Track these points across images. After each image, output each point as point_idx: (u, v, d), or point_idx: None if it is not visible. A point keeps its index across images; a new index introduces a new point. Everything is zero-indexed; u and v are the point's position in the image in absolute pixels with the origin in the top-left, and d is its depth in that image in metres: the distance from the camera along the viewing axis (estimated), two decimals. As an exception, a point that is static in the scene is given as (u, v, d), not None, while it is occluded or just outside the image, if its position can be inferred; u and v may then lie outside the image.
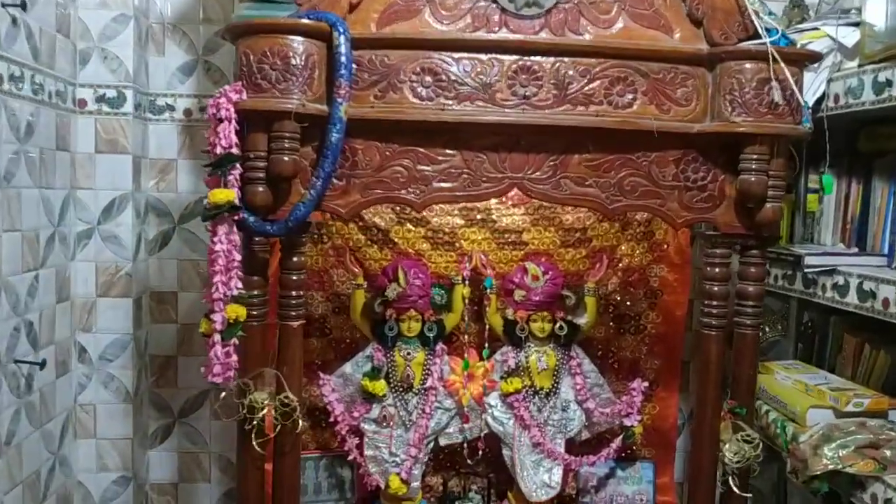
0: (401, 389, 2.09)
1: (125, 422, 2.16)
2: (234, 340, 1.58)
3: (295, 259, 1.69)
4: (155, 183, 2.28)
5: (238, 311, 1.57)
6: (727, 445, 1.77)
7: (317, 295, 2.23)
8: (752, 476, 1.79)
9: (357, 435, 2.13)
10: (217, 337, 1.55)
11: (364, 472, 2.13)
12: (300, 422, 1.69)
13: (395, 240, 2.18)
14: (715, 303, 1.76)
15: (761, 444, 1.76)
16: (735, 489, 1.77)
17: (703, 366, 1.79)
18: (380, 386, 2.07)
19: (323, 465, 2.27)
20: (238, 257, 1.56)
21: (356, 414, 2.10)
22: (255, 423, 1.66)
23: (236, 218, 1.56)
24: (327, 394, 2.11)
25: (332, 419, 2.10)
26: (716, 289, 1.76)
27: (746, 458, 1.75)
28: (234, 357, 1.58)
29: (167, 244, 2.30)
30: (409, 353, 2.09)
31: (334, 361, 2.22)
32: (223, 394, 1.66)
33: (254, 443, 1.67)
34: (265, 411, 1.66)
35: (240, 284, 1.57)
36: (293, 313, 1.70)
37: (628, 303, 2.27)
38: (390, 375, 2.09)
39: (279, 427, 1.69)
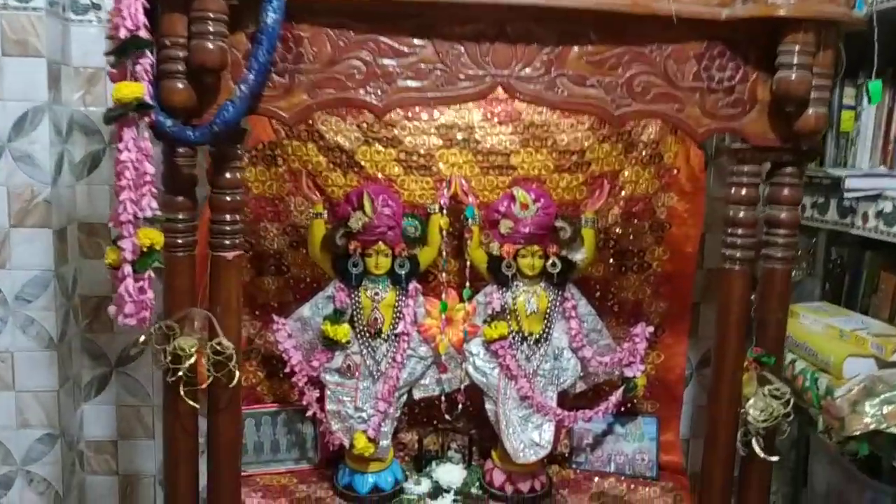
0: (367, 335, 1.80)
1: (49, 372, 1.87)
2: (150, 273, 1.28)
3: (228, 175, 1.38)
4: (80, 96, 1.95)
5: (153, 237, 1.26)
6: (751, 401, 1.48)
7: (271, 227, 1.93)
8: (781, 437, 1.51)
9: (318, 387, 1.85)
10: (127, 269, 1.24)
11: (326, 430, 1.85)
12: (236, 372, 1.39)
13: (362, 163, 1.86)
14: (741, 231, 1.46)
15: (792, 400, 1.48)
16: (760, 452, 1.49)
17: (725, 307, 1.50)
18: (343, 331, 1.78)
19: (281, 420, 2.00)
20: (150, 170, 1.24)
21: (316, 363, 1.81)
22: (180, 373, 1.36)
23: (148, 120, 1.24)
24: (282, 340, 1.82)
25: (288, 369, 1.81)
26: (742, 214, 1.46)
27: (774, 416, 1.46)
28: (150, 294, 1.28)
29: (97, 167, 1.97)
30: (377, 294, 1.80)
31: (292, 304, 1.94)
32: (142, 337, 1.36)
33: (181, 395, 1.38)
34: (193, 359, 1.36)
35: (154, 204, 1.26)
36: (227, 242, 1.39)
37: (631, 236, 1.98)
38: (355, 319, 1.80)
39: (212, 379, 1.39)
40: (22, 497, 1.90)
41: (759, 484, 1.56)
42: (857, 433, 1.48)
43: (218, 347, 1.38)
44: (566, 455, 2.07)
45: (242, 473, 1.91)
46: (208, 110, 1.31)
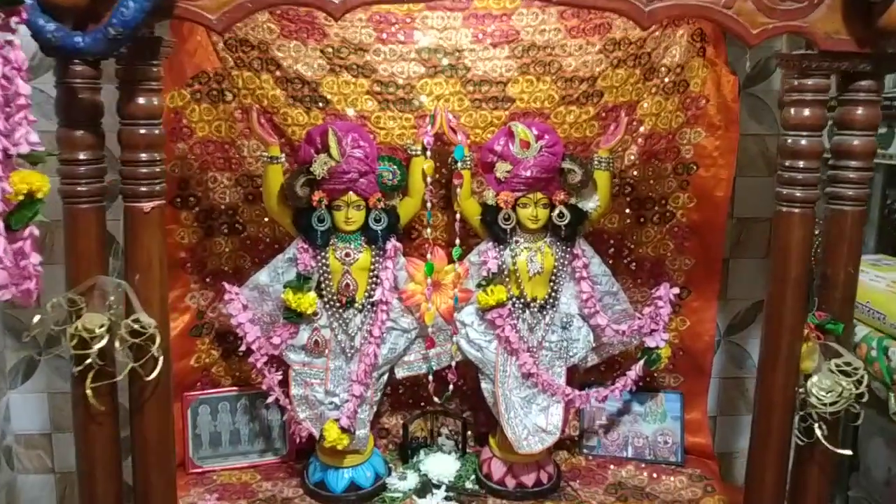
0: (338, 305, 1.50)
1: (-41, 356, 1.56)
2: (33, 230, 0.96)
3: (141, 101, 1.06)
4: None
5: (32, 182, 0.94)
6: (815, 378, 1.19)
7: (221, 177, 1.61)
8: (854, 423, 1.22)
9: (281, 368, 1.54)
10: (-1, 225, 0.92)
11: (291, 419, 1.55)
12: (160, 358, 1.08)
13: (328, 96, 1.54)
14: (802, 164, 1.15)
15: (865, 377, 1.18)
16: (824, 442, 1.19)
17: (781, 262, 1.20)
18: (308, 300, 1.47)
19: (242, 406, 1.71)
20: (25, 90, 0.92)
21: (277, 340, 1.51)
22: (89, 361, 1.05)
23: (17, 19, 0.91)
24: (236, 313, 1.51)
25: (244, 347, 1.51)
26: (804, 142, 1.15)
27: (844, 397, 1.17)
28: (34, 258, 0.96)
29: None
30: (348, 255, 1.49)
31: (250, 269, 1.63)
32: (36, 317, 1.05)
33: (88, 392, 1.07)
34: (104, 342, 1.05)
35: (34, 137, 0.93)
36: (143, 189, 1.08)
37: (652, 181, 1.67)
38: (323, 286, 1.50)
39: (129, 367, 1.08)
40: (-65, 503, 1.61)
41: (819, 483, 1.26)
42: (945, 414, 1.19)
43: (136, 326, 1.07)
44: (576, 439, 1.78)
45: (196, 470, 1.65)
46: (106, 14, 0.98)
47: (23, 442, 1.77)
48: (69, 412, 1.69)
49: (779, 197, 1.18)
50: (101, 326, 1.05)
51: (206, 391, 1.69)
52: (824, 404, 1.17)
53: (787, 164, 1.16)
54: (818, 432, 1.20)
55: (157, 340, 1.08)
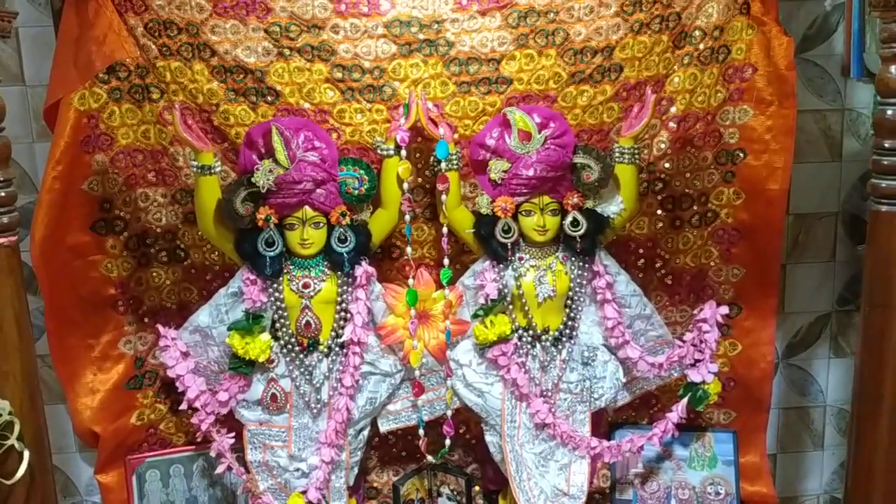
0: (298, 349, 1.22)
1: None
2: None
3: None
4: None
5: None
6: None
7: (153, 194, 1.33)
8: None
9: (235, 426, 1.24)
10: None
11: (248, 489, 1.25)
12: (25, 453, 0.78)
13: (278, 87, 1.26)
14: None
15: None
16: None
17: (881, 277, 0.86)
18: (259, 345, 1.19)
19: (199, 468, 1.44)
20: None
21: (224, 395, 1.23)
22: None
23: None
24: (173, 363, 1.24)
25: (185, 405, 1.21)
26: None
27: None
28: None
29: None
30: (307, 285, 1.20)
31: (199, 304, 1.33)
32: None
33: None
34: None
35: None
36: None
37: (688, 174, 1.37)
38: (278, 325, 1.22)
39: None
40: None
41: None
42: None
43: (-15, 412, 0.77)
44: (607, 492, 1.48)
45: (143, 551, 1.35)
46: None
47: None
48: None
49: (875, 192, 0.85)
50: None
51: (153, 453, 1.40)
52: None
53: (886, 145, 0.83)
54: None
55: (16, 429, 0.78)
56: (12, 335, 0.81)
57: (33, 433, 0.81)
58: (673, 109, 1.31)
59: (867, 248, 0.90)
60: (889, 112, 0.83)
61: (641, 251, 1.41)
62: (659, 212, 1.39)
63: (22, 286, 0.83)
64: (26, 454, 0.80)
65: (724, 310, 1.31)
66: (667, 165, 1.35)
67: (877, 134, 0.85)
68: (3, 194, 0.80)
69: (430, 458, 1.31)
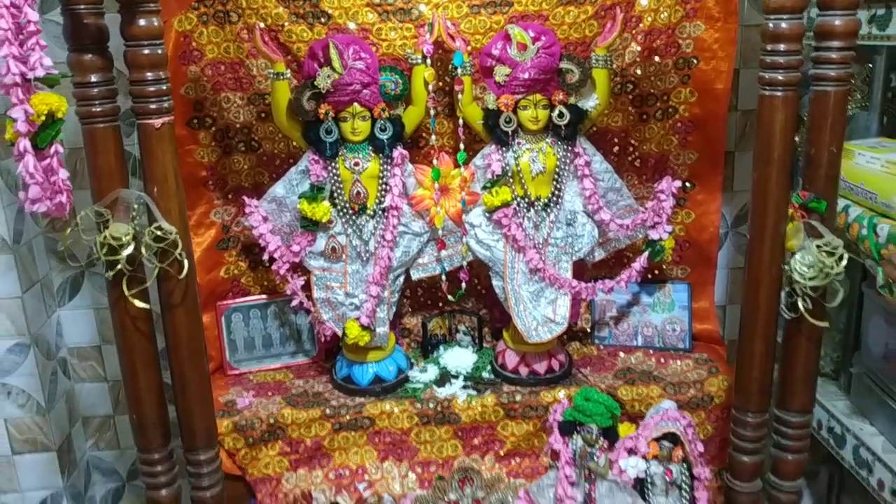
0: (351, 212, 1.58)
1: (8, 276, 1.68)
2: (58, 148, 1.05)
3: (142, 23, 1.12)
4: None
5: (51, 103, 1.02)
6: (797, 256, 1.25)
7: (234, 97, 1.67)
8: (832, 304, 1.28)
9: (303, 273, 1.64)
10: (24, 143, 1.02)
11: (315, 319, 1.66)
12: (185, 261, 1.18)
13: (329, 11, 1.58)
14: (783, 47, 1.18)
15: (845, 256, 1.24)
16: (807, 316, 1.26)
17: (765, 143, 1.24)
18: (322, 209, 1.56)
19: (272, 312, 1.82)
20: (34, 16, 1.00)
21: (297, 248, 1.60)
22: (119, 267, 1.16)
23: (21, -47, 0.98)
24: (257, 225, 1.61)
25: (266, 257, 1.61)
26: (784, 25, 1.17)
27: (824, 273, 1.23)
28: (63, 174, 1.06)
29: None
30: (357, 164, 1.56)
31: (268, 184, 1.71)
32: (67, 231, 1.16)
33: (126, 294, 1.18)
34: (130, 249, 1.15)
35: (47, 61, 1.02)
36: (152, 106, 1.16)
37: (652, 77, 1.68)
38: (335, 195, 1.58)
39: (157, 270, 1.19)
40: (3, 410, 1.77)
41: (806, 353, 1.34)
42: (927, 285, 1.24)
43: (158, 233, 1.17)
44: (588, 331, 1.87)
45: (234, 372, 1.78)
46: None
47: (76, 354, 1.92)
48: (114, 325, 1.84)
49: (761, 81, 1.21)
50: (127, 235, 1.15)
51: (237, 300, 1.81)
52: (807, 280, 1.23)
53: (768, 48, 1.19)
54: (801, 306, 1.27)
55: (179, 245, 1.18)
56: (171, 183, 1.17)
57: (186, 252, 1.21)
58: (641, 25, 1.63)
59: (757, 122, 1.26)
60: (770, 25, 1.18)
61: (616, 140, 1.74)
62: (630, 108, 1.71)
63: (175, 151, 1.21)
64: (186, 262, 1.20)
65: (678, 183, 1.65)
66: (637, 71, 1.67)
67: (762, 39, 1.20)
68: (164, 88, 1.17)
69: (450, 297, 1.71)
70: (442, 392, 1.67)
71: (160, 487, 1.37)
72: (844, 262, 1.22)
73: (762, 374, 1.35)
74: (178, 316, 1.25)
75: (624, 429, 1.51)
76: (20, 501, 1.84)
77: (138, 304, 1.20)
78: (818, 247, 1.22)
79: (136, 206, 1.18)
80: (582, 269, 1.74)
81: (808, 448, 1.45)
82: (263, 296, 1.82)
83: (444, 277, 1.69)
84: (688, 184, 1.77)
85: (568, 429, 1.45)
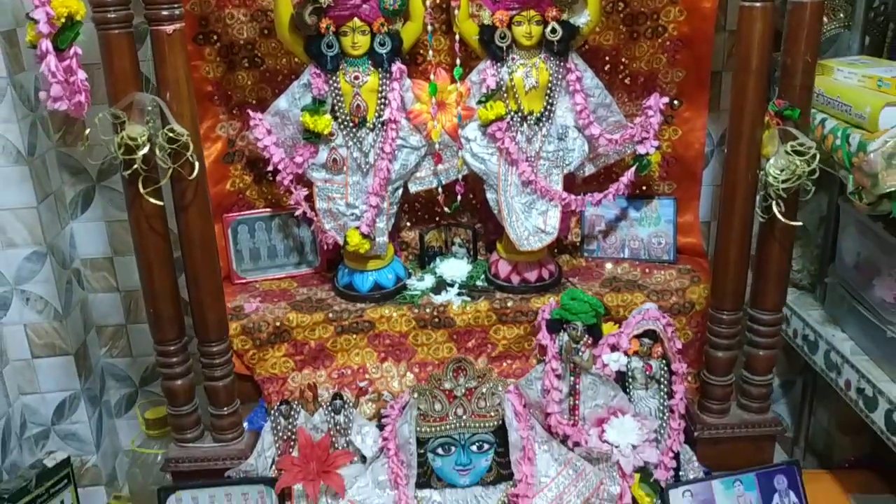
0: (351, 125, 1.65)
1: (23, 187, 1.76)
2: (76, 50, 1.12)
3: (151, -71, 1.18)
4: None
5: (70, 5, 1.09)
6: (772, 160, 1.33)
7: (237, 13, 1.73)
8: (804, 199, 1.37)
9: (306, 186, 1.72)
10: (46, 44, 1.09)
11: (318, 229, 1.75)
12: (196, 162, 1.26)
13: (329, -71, 1.61)
14: (763, -41, 1.23)
15: (817, 156, 1.32)
16: (780, 216, 1.35)
17: (744, 53, 1.31)
18: (324, 122, 1.63)
19: (276, 225, 1.90)
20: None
21: (299, 159, 1.68)
22: (136, 166, 1.24)
23: None
24: (261, 137, 1.68)
25: (271, 168, 1.69)
26: (765, -63, 1.22)
27: (796, 174, 1.31)
28: (81, 75, 1.13)
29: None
30: (357, 78, 1.63)
31: (271, 99, 1.77)
32: (87, 131, 1.23)
33: (141, 192, 1.27)
34: (146, 149, 1.23)
35: (64, -36, 1.08)
36: (164, 13, 1.22)
37: (643, -4, 1.74)
38: (336, 108, 1.65)
39: (171, 171, 1.27)
40: (22, 316, 1.87)
41: (779, 254, 1.43)
42: (891, 189, 1.32)
43: (171, 135, 1.25)
44: (577, 244, 1.96)
45: (240, 281, 1.88)
46: None
47: (89, 265, 2.02)
48: (126, 238, 1.93)
49: (740, -7, 1.27)
50: (142, 136, 1.23)
51: (243, 213, 1.89)
52: (780, 182, 1.32)
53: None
54: (776, 209, 1.35)
55: (191, 147, 1.26)
56: (183, 88, 1.24)
57: (197, 154, 1.29)
58: (632, -56, 1.70)
59: (737, 33, 1.32)
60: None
61: (607, 58, 1.79)
62: (621, 27, 1.77)
63: (187, 58, 1.28)
64: (197, 164, 1.28)
65: (665, 100, 1.72)
66: (628, -10, 1.75)
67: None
68: (175, -5, 1.23)
69: (446, 209, 1.79)
70: (438, 299, 1.77)
71: (176, 378, 1.48)
72: (816, 163, 1.31)
73: (737, 274, 1.45)
74: (190, 215, 1.34)
75: (607, 328, 1.61)
76: (40, 402, 1.96)
77: (153, 201, 1.28)
78: (790, 147, 1.29)
79: (150, 109, 1.26)
80: (572, 185, 1.82)
81: (778, 345, 1.55)
82: (268, 209, 1.90)
83: (440, 190, 1.77)
84: (675, 101, 1.84)
85: (555, 326, 1.55)
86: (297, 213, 1.73)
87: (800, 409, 2.21)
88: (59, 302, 1.87)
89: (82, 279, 2.02)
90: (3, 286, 1.84)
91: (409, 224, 1.96)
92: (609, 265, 1.90)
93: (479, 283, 1.82)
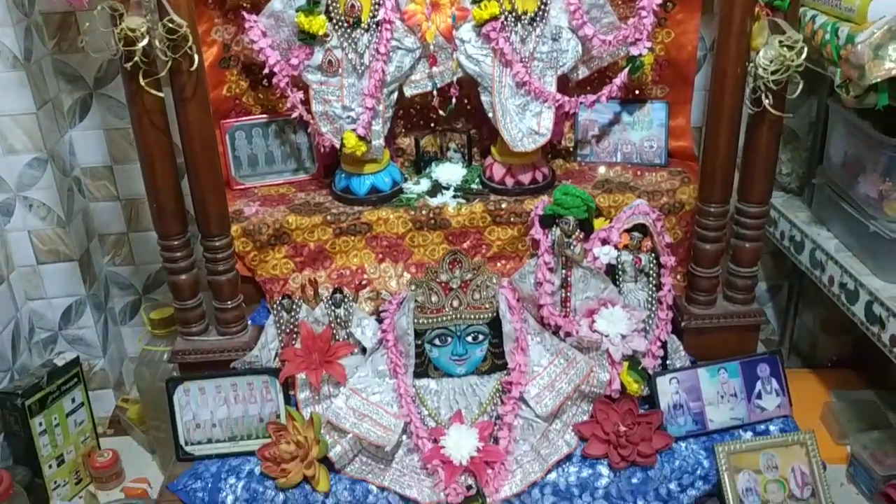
0: (346, 25, 1.66)
1: (22, 93, 1.78)
2: (72, -63, 1.13)
3: None
4: None
5: None
6: (761, 52, 1.35)
7: (230, -87, 1.71)
8: (792, 95, 1.39)
9: (302, 89, 1.74)
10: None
11: (315, 132, 1.78)
12: (195, 55, 1.28)
13: None
14: None
15: (805, 49, 1.34)
16: (769, 108, 1.38)
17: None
18: (318, 22, 1.64)
19: (273, 131, 1.92)
20: None
21: (295, 61, 1.69)
22: (136, 59, 1.26)
23: None
24: (257, 38, 1.69)
25: (267, 70, 1.70)
26: None
27: (785, 66, 1.34)
28: (78, -39, 1.14)
29: None
30: (350, -24, 1.62)
31: (266, 1, 1.76)
32: (87, 24, 1.25)
33: (142, 84, 1.29)
34: (145, 41, 1.25)
35: None
36: None
37: None
38: (331, 8, 1.65)
39: (170, 63, 1.29)
40: (26, 222, 1.91)
41: (767, 146, 1.47)
42: (878, 80, 1.35)
43: (171, 25, 1.26)
44: (570, 150, 1.99)
45: (239, 186, 1.91)
46: None
47: (89, 174, 2.04)
48: (125, 147, 1.96)
49: None
50: (141, 27, 1.24)
51: (240, 118, 1.91)
52: (769, 73, 1.34)
53: None
54: (765, 101, 1.38)
55: (190, 39, 1.27)
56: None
57: (196, 47, 1.31)
58: None
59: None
60: None
61: None
62: None
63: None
64: (196, 57, 1.30)
65: (659, 0, 1.74)
66: None
67: None
68: None
69: (441, 112, 1.81)
70: (434, 201, 1.81)
71: (180, 272, 1.53)
72: (804, 56, 1.33)
73: (725, 165, 1.48)
74: (190, 108, 1.36)
75: (598, 223, 1.66)
76: (47, 307, 2.01)
77: (154, 92, 1.30)
78: (780, 42, 1.32)
79: (147, 4, 1.27)
80: (566, 87, 1.84)
81: (763, 238, 1.60)
82: (264, 115, 1.92)
83: (435, 93, 1.78)
84: (668, 3, 1.84)
85: (547, 222, 1.59)
86: (294, 115, 1.76)
87: (785, 312, 2.29)
88: (61, 209, 1.91)
89: (83, 188, 2.05)
90: (5, 193, 1.87)
91: (404, 130, 1.98)
92: (602, 169, 1.93)
93: (473, 186, 1.85)
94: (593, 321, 1.58)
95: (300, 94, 1.74)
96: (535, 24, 1.68)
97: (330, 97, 1.73)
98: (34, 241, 1.93)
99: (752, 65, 1.38)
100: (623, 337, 1.57)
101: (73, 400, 1.90)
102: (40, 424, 1.80)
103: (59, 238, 1.93)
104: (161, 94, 1.33)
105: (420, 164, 1.93)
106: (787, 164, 2.02)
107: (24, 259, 1.95)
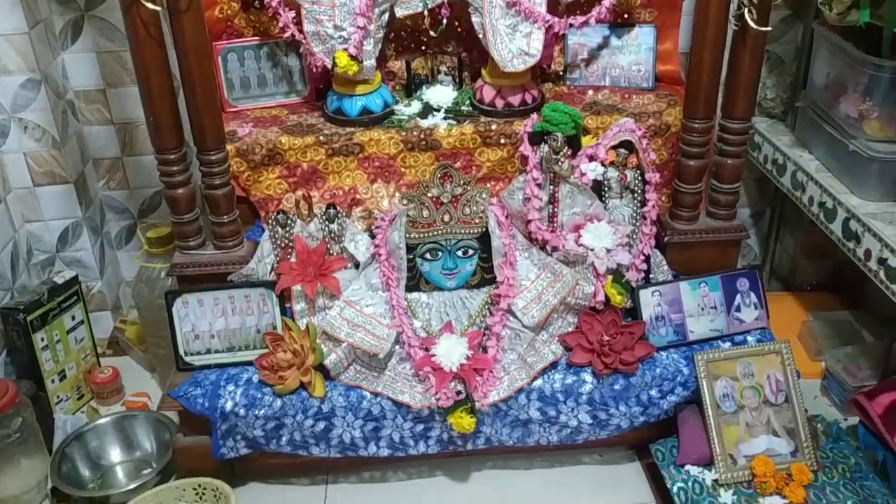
0: (337, -51, 1.66)
1: (14, 13, 1.78)
2: None
3: None
4: None
5: None
6: (746, -35, 1.37)
7: None
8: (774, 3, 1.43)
9: (293, 9, 1.75)
10: None
11: (306, 52, 1.79)
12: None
13: None
14: None
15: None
16: (751, 23, 1.41)
17: None
18: (310, -61, 1.64)
19: (265, 53, 1.93)
20: None
21: (286, -20, 1.70)
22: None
23: None
24: (248, -43, 1.69)
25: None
26: None
27: (770, -23, 1.36)
28: None
29: None
30: None
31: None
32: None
33: (136, -3, 1.30)
34: (139, -50, 1.26)
35: None
36: None
37: None
38: (322, -74, 1.65)
39: (164, -27, 1.30)
40: (21, 144, 1.93)
41: (750, 62, 1.50)
42: (860, -5, 1.38)
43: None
44: (560, 73, 2.01)
45: (232, 109, 1.93)
46: None
47: (82, 97, 2.05)
48: (117, 70, 1.97)
49: None
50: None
51: (232, 41, 1.91)
52: (754, -13, 1.37)
53: None
54: (748, 16, 1.41)
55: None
56: None
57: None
58: None
59: None
60: None
61: None
62: None
63: None
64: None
65: (648, -79, 1.76)
66: None
67: None
68: None
69: (432, 32, 1.83)
70: (425, 122, 1.83)
71: (177, 186, 1.56)
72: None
73: (709, 81, 1.52)
74: (184, 21, 1.38)
75: (586, 140, 1.70)
76: (44, 229, 2.05)
77: (149, 5, 1.32)
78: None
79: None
80: (556, 10, 1.85)
81: (745, 154, 1.65)
82: (256, 38, 1.93)
83: (426, 14, 1.80)
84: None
85: (536, 139, 1.63)
86: (286, 36, 1.77)
87: (767, 237, 2.35)
88: (56, 130, 1.93)
89: (77, 111, 2.06)
90: (0, 114, 1.89)
91: (395, 53, 2.00)
92: (590, 92, 1.96)
93: (464, 108, 1.88)
94: (579, 236, 1.63)
95: (292, 14, 1.75)
96: (525, -57, 1.69)
97: (321, 17, 1.74)
98: (30, 162, 1.95)
99: (737, -21, 1.40)
100: (608, 251, 1.62)
101: (73, 317, 1.95)
102: (42, 340, 1.85)
103: (54, 160, 1.96)
104: (158, 8, 1.35)
105: (411, 87, 1.96)
106: (772, 89, 2.05)
107: (20, 181, 1.97)
